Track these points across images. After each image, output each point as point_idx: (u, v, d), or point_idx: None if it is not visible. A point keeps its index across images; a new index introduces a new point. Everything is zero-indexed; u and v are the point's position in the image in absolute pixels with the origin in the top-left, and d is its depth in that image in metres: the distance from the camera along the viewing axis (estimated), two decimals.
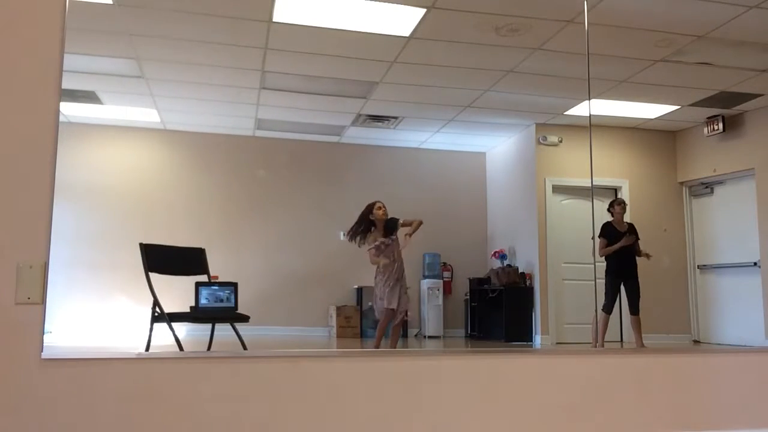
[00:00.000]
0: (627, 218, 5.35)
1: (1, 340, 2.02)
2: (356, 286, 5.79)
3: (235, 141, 5.76)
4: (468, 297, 6.13)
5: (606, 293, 5.01)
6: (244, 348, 3.51)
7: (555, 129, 6.02)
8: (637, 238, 5.19)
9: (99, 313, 4.84)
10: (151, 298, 3.50)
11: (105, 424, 2.07)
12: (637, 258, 5.15)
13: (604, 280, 5.05)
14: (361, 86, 5.32)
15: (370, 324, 5.78)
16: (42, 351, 2.04)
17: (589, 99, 4.02)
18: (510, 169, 6.30)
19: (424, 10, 4.10)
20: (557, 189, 5.93)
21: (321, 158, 5.99)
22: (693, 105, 5.60)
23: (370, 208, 5.01)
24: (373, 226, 5.00)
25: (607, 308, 4.96)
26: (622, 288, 5.06)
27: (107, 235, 5.05)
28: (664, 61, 4.74)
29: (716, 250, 5.81)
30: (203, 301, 3.67)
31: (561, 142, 6.04)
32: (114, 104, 5.30)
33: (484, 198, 6.35)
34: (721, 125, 5.65)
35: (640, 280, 5.08)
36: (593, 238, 5.02)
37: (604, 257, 5.08)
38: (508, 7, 4.04)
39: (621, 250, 5.11)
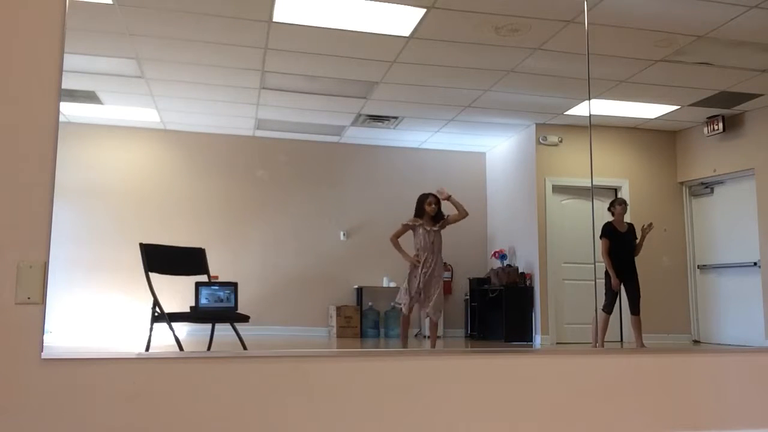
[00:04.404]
0: (627, 218, 5.35)
1: (1, 340, 2.02)
2: (356, 286, 5.78)
3: (235, 141, 5.75)
4: (468, 297, 6.13)
5: (606, 293, 5.01)
6: (244, 348, 3.51)
7: (555, 129, 6.02)
8: (635, 238, 5.19)
9: (99, 313, 4.84)
10: (151, 298, 3.50)
11: (105, 424, 2.07)
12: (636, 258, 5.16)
13: (603, 281, 5.04)
14: (361, 86, 5.32)
15: (370, 324, 5.78)
16: (42, 351, 2.04)
17: (589, 99, 4.02)
18: (510, 169, 6.29)
19: (424, 10, 4.10)
20: (557, 189, 5.92)
21: (321, 158, 5.99)
22: (693, 105, 5.60)
23: (421, 200, 5.08)
24: (422, 216, 5.05)
25: (608, 308, 4.96)
26: (622, 288, 5.06)
27: (107, 235, 5.05)
28: (664, 61, 4.74)
29: (716, 250, 5.81)
30: (203, 301, 3.67)
31: (561, 142, 6.04)
32: (114, 104, 5.30)
33: (484, 198, 6.35)
34: (721, 125, 5.65)
35: (640, 280, 5.08)
36: (595, 235, 5.02)
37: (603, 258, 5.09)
38: (508, 7, 4.04)
39: (620, 250, 5.11)
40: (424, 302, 4.98)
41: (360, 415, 2.29)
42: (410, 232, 5.05)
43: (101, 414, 2.07)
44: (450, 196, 5.04)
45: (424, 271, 4.96)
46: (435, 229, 4.99)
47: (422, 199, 5.07)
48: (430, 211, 5.02)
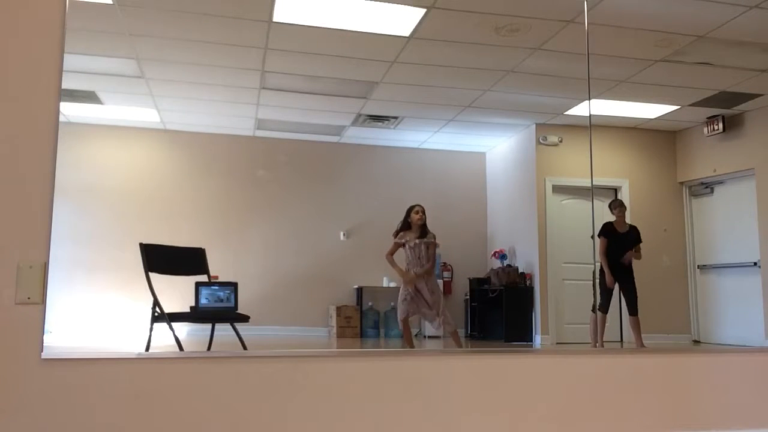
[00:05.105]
0: (628, 219, 5.35)
1: (1, 340, 2.02)
2: (356, 286, 5.78)
3: (235, 141, 5.75)
4: (468, 297, 6.13)
5: (601, 293, 5.01)
6: (244, 348, 3.51)
7: (555, 129, 6.02)
8: (639, 241, 5.18)
9: (99, 313, 4.84)
10: (151, 298, 3.50)
11: (105, 424, 2.07)
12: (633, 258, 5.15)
13: (598, 280, 5.04)
14: (361, 86, 5.32)
15: (370, 324, 5.78)
16: (42, 351, 2.04)
17: (589, 99, 4.02)
18: (510, 169, 6.29)
19: (424, 10, 4.10)
20: (557, 189, 5.92)
21: (321, 158, 5.99)
22: (693, 105, 5.60)
23: (408, 211, 5.12)
24: (409, 228, 5.08)
25: (603, 308, 4.95)
26: (620, 289, 5.05)
27: (107, 235, 5.05)
28: (664, 61, 4.74)
29: (716, 250, 5.81)
30: (203, 301, 3.67)
31: (561, 142, 6.04)
32: (114, 104, 5.29)
33: (484, 198, 6.35)
34: (721, 125, 5.65)
35: (638, 280, 5.08)
36: (593, 236, 5.02)
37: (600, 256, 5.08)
38: (508, 7, 4.04)
39: (618, 250, 5.10)
40: (429, 315, 5.03)
41: (360, 415, 2.29)
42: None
43: (101, 414, 2.07)
44: None
45: (414, 286, 5.00)
46: (418, 242, 5.02)
47: (408, 211, 5.12)
48: (417, 220, 5.05)
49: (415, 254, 5.02)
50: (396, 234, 5.08)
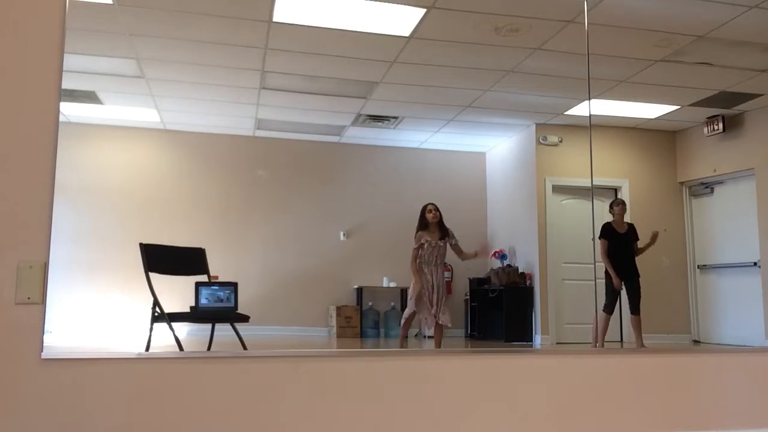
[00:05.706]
0: (627, 218, 5.35)
1: (1, 340, 2.02)
2: (356, 286, 5.78)
3: (235, 141, 5.75)
4: (468, 297, 6.13)
5: (606, 293, 5.01)
6: (244, 348, 3.51)
7: (555, 129, 6.02)
8: (637, 239, 5.19)
9: (99, 313, 4.83)
10: (151, 298, 3.50)
11: (105, 424, 2.07)
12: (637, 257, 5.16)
13: (604, 280, 5.04)
14: (361, 86, 5.32)
15: (370, 324, 5.78)
16: (42, 351, 2.04)
17: (589, 99, 4.02)
18: (510, 169, 6.29)
19: (424, 10, 4.10)
20: (557, 189, 5.92)
21: (321, 158, 5.99)
22: (693, 105, 5.60)
23: (422, 210, 5.13)
24: (426, 227, 5.08)
25: (608, 308, 4.96)
26: (623, 288, 5.06)
27: (107, 235, 5.05)
28: (664, 61, 4.74)
29: (716, 250, 5.81)
30: (203, 301, 3.67)
31: (561, 142, 6.04)
32: (114, 104, 5.29)
33: (484, 198, 6.34)
34: (721, 125, 5.65)
35: (640, 280, 5.08)
36: (593, 239, 5.02)
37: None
38: (508, 7, 4.05)
39: (620, 251, 5.11)
40: (431, 310, 5.05)
41: (360, 415, 2.29)
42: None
43: (101, 414, 2.07)
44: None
45: (428, 287, 5.03)
46: (440, 243, 5.03)
47: (422, 211, 5.12)
48: (431, 219, 5.05)
49: (433, 254, 5.02)
50: (415, 236, 5.08)
